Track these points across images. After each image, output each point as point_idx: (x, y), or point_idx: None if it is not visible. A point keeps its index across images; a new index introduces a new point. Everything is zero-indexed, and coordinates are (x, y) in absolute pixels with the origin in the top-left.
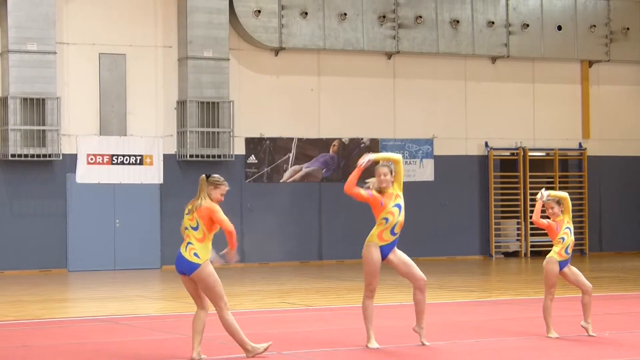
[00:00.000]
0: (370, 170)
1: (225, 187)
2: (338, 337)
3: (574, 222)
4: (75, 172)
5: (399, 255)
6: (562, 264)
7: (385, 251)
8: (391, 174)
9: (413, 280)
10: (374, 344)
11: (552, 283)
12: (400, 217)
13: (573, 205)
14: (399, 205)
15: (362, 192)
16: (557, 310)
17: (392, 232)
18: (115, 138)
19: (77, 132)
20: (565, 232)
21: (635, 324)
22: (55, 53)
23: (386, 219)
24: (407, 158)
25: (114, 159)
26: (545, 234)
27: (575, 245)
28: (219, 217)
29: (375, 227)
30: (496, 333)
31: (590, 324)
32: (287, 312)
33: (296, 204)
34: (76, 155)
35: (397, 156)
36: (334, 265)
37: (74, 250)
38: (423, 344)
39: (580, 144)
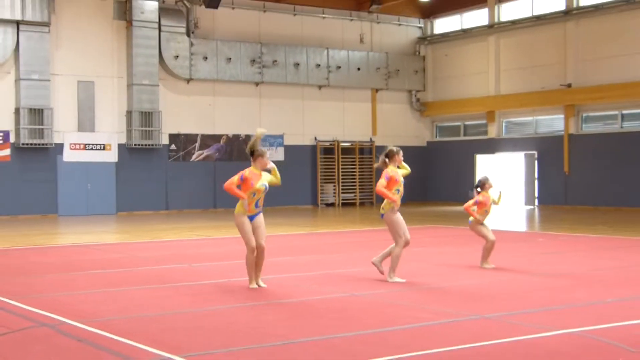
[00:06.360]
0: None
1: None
2: (227, 254)
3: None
4: (62, 155)
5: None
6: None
7: None
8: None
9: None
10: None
11: (483, 234)
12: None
13: (366, 179)
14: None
15: None
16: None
17: None
18: (87, 133)
19: (64, 129)
20: (491, 206)
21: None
22: (49, 80)
23: None
24: (267, 147)
25: (87, 146)
26: (352, 192)
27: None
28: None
29: None
30: (322, 252)
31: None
32: (195, 241)
33: (199, 174)
34: (62, 144)
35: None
36: (223, 212)
37: (62, 203)
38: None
39: (371, 138)
